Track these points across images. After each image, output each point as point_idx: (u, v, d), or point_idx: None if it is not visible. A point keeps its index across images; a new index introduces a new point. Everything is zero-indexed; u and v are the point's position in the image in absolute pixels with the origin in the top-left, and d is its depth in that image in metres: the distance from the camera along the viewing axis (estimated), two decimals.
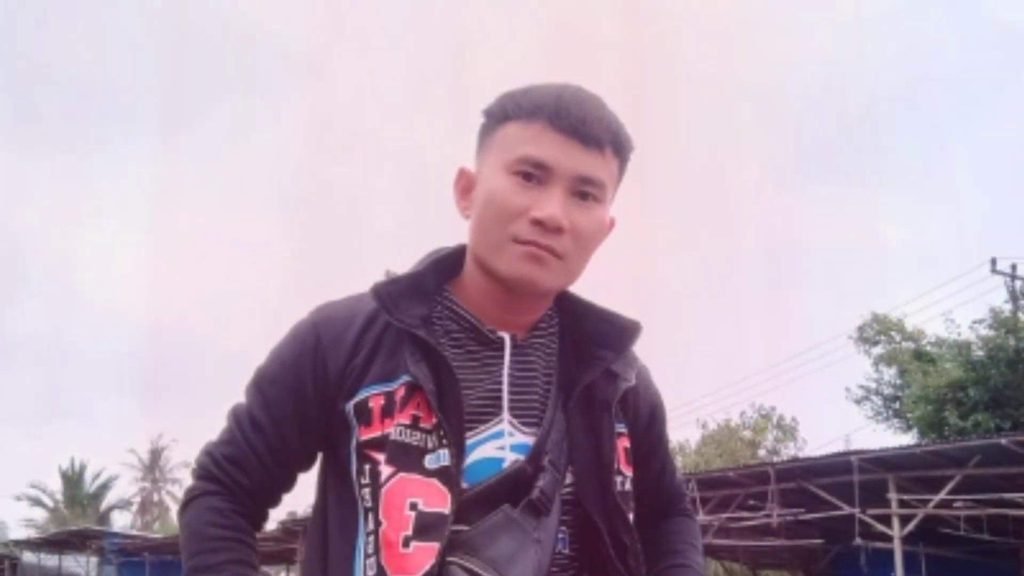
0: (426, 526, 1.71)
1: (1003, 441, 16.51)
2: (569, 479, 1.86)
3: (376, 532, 1.74)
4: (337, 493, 1.85)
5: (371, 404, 1.80)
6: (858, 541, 18.68)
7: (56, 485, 70.69)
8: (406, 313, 1.82)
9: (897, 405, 31.47)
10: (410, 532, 1.71)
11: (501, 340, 1.87)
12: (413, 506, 1.73)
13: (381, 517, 1.74)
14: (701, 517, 18.69)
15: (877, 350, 32.51)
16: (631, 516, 1.89)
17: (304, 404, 1.85)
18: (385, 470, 1.76)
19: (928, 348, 30.58)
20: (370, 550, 1.75)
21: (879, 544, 18.84)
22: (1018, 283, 28.72)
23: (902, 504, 18.28)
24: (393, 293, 1.83)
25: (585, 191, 1.79)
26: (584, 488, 1.87)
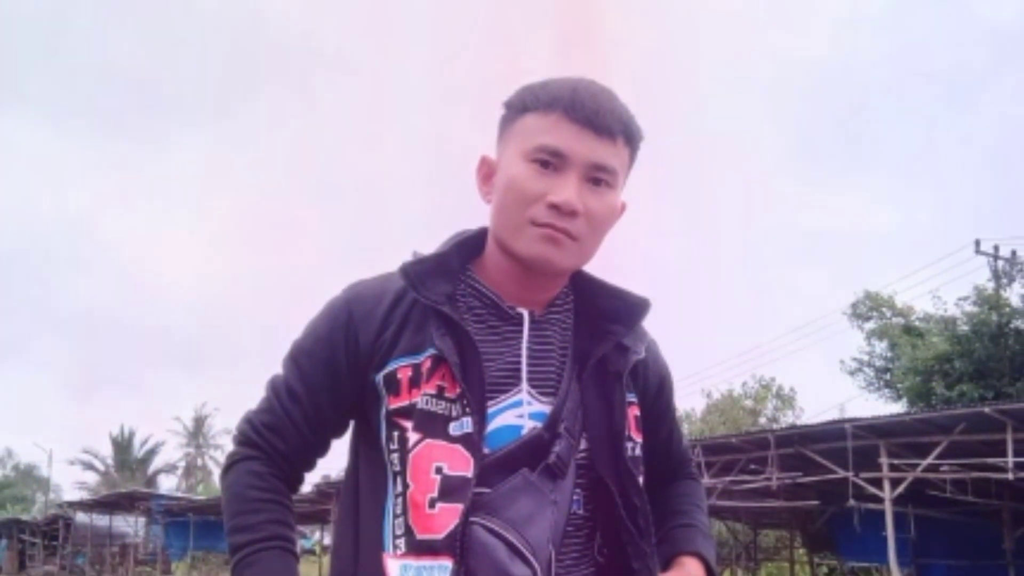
0: (450, 488, 1.72)
1: (986, 410, 16.48)
2: (583, 445, 1.86)
3: (404, 494, 1.75)
4: (368, 458, 1.86)
5: (399, 375, 1.81)
6: (851, 502, 18.66)
7: (107, 450, 71.30)
8: (432, 291, 1.82)
9: (888, 376, 31.49)
10: (436, 494, 1.72)
11: (520, 316, 1.87)
12: (438, 470, 1.73)
13: (409, 480, 1.75)
14: (706, 480, 18.67)
15: (869, 325, 32.51)
16: (641, 479, 1.89)
17: (337, 375, 1.86)
18: (412, 436, 1.76)
19: (917, 323, 30.57)
20: (398, 511, 1.75)
21: (871, 505, 18.81)
22: (1000, 263, 28.67)
23: (892, 468, 18.25)
24: (420, 272, 1.83)
25: (598, 177, 1.79)
26: (597, 453, 1.87)
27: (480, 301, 1.88)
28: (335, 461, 2.04)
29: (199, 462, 73.01)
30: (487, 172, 1.90)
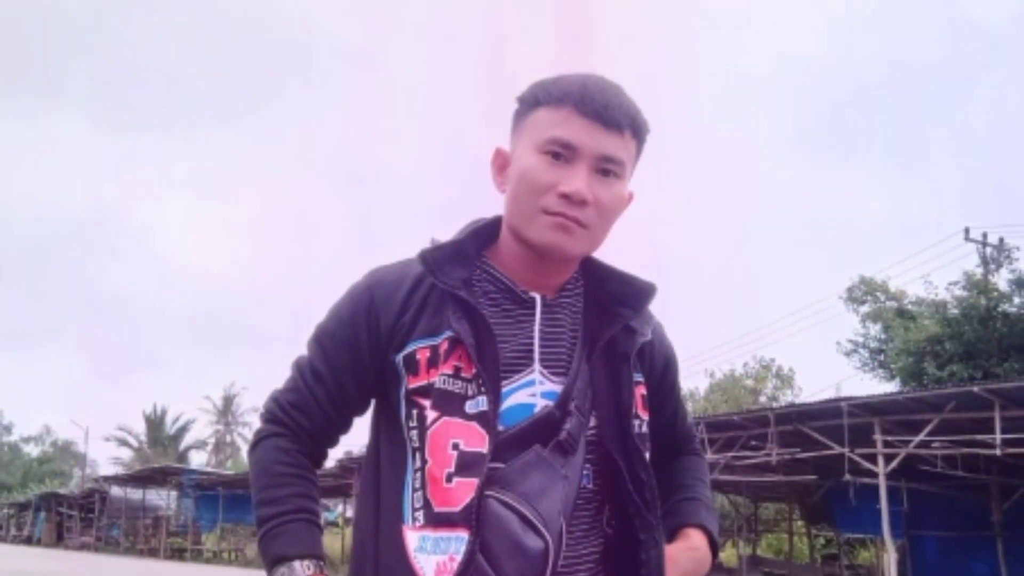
0: (466, 464, 1.72)
1: (975, 389, 16.48)
2: (593, 422, 1.86)
3: (422, 469, 1.75)
4: (388, 435, 1.86)
5: (418, 356, 1.81)
6: (847, 477, 18.67)
7: (140, 427, 71.69)
8: (449, 276, 1.82)
9: (882, 357, 31.48)
10: (452, 469, 1.73)
11: (533, 300, 1.87)
12: (455, 446, 1.74)
13: (427, 456, 1.75)
14: (709, 456, 18.68)
15: (864, 309, 32.49)
16: (647, 455, 1.89)
17: (359, 356, 1.86)
18: (430, 414, 1.77)
19: (909, 307, 30.53)
20: (417, 485, 1.76)
21: (866, 480, 18.81)
22: (988, 249, 28.57)
23: (886, 444, 18.24)
24: (437, 258, 1.84)
25: (607, 168, 1.79)
26: (606, 430, 1.87)
27: (495, 286, 1.88)
28: (357, 438, 2.05)
29: (228, 438, 73.32)
30: (501, 163, 1.90)
